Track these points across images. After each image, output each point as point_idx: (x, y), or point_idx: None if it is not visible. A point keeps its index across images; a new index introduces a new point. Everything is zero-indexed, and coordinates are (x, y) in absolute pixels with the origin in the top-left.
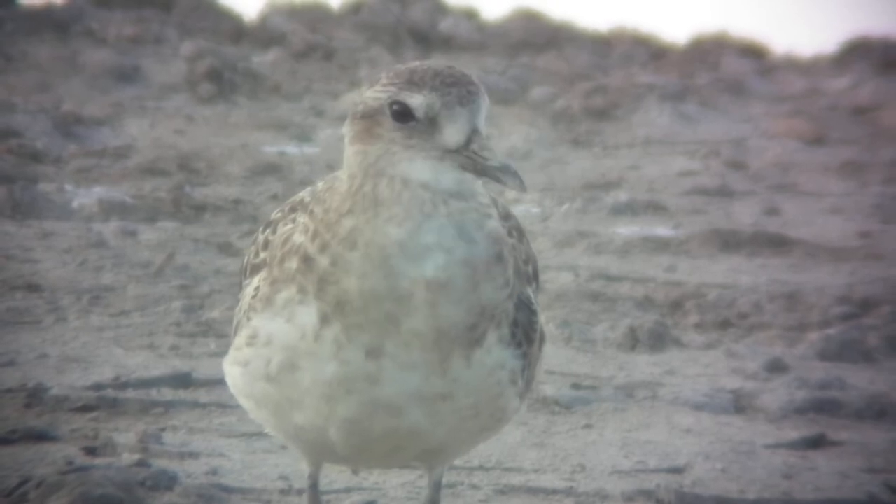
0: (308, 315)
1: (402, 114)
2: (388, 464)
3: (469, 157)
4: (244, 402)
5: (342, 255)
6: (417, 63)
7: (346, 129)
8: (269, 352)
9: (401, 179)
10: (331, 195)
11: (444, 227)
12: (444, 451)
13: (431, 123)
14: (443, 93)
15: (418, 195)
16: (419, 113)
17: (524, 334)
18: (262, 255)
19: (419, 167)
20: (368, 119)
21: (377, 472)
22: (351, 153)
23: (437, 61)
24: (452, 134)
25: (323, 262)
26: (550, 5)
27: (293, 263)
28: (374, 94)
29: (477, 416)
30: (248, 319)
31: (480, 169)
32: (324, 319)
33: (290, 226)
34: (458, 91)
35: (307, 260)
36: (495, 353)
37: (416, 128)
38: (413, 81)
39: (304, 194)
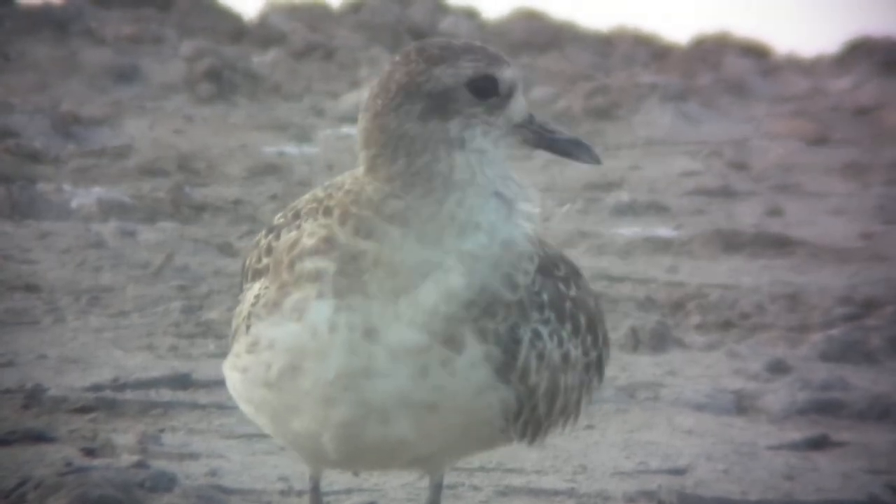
0: (325, 308)
1: (486, 89)
2: (382, 468)
3: (536, 132)
4: (244, 407)
5: (383, 230)
6: (443, 39)
7: (402, 109)
8: (270, 357)
9: (477, 155)
10: (357, 184)
11: (498, 208)
12: (434, 459)
13: (506, 98)
14: (514, 66)
15: (489, 175)
16: (503, 87)
17: (513, 364)
18: (265, 260)
19: (493, 141)
20: (439, 96)
21: (377, 474)
22: (418, 129)
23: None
24: (519, 108)
25: (354, 239)
26: (551, 5)
27: (308, 260)
28: (446, 70)
29: (465, 435)
30: (249, 327)
31: (548, 143)
32: (337, 308)
33: (294, 232)
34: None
35: (331, 240)
36: (480, 370)
37: (494, 103)
38: (492, 56)
39: (306, 200)
